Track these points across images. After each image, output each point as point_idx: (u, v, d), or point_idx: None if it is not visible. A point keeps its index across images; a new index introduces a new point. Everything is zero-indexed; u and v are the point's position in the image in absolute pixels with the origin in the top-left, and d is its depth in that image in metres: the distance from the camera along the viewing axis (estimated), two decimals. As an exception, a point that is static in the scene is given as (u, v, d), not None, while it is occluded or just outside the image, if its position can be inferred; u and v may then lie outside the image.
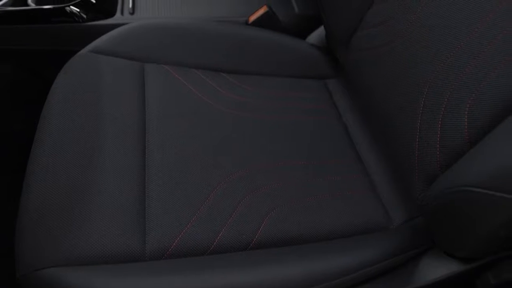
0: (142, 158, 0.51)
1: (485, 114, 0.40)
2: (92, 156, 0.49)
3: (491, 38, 0.41)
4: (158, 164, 0.51)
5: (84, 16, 0.74)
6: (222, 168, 0.52)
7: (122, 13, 0.78)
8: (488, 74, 0.41)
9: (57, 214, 0.44)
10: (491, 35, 0.41)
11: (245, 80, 0.66)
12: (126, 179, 0.48)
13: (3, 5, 0.73)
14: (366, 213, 0.53)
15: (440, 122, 0.44)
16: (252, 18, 0.76)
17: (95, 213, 0.44)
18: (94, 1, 0.76)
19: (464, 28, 0.44)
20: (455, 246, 0.43)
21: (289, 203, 0.51)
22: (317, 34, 0.77)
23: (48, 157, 0.49)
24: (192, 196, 0.49)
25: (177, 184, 0.49)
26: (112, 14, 0.78)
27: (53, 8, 0.73)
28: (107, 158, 0.49)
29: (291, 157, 0.56)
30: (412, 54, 0.50)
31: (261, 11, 0.75)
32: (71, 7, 0.73)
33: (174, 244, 0.45)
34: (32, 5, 0.74)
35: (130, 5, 0.79)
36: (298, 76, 0.71)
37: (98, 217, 0.44)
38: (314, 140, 0.60)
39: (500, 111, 0.39)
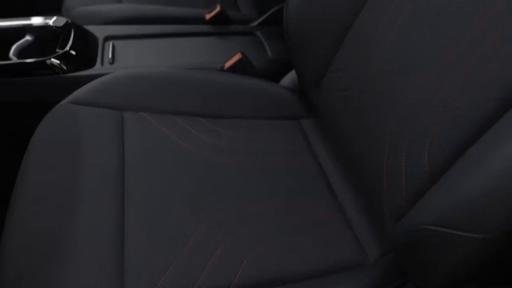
0: (120, 212, 0.52)
1: (444, 152, 0.43)
2: (71, 211, 0.50)
3: (445, 81, 0.45)
4: (137, 217, 0.52)
5: (65, 67, 0.77)
6: (199, 214, 0.53)
7: (102, 63, 0.81)
8: (443, 116, 0.44)
9: (35, 275, 0.45)
10: (445, 77, 0.45)
11: (222, 124, 0.69)
12: (105, 235, 0.49)
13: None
14: (342, 251, 0.54)
15: (404, 161, 0.47)
16: (228, 64, 0.79)
17: (74, 275, 0.45)
18: (74, 53, 0.79)
19: (422, 71, 0.47)
20: (424, 282, 0.45)
21: (266, 245, 0.52)
22: (290, 77, 0.81)
23: (26, 211, 0.49)
24: (170, 244, 0.50)
25: (156, 234, 0.50)
26: (92, 64, 0.80)
27: (35, 62, 0.75)
28: (86, 213, 0.50)
29: (267, 199, 0.58)
30: (374, 97, 0.53)
31: (235, 58, 0.79)
32: (52, 59, 0.76)
33: None
34: (14, 58, 0.76)
35: (110, 55, 0.82)
36: (273, 118, 0.74)
37: (77, 280, 0.45)
38: (289, 180, 0.62)
39: (457, 149, 0.42)
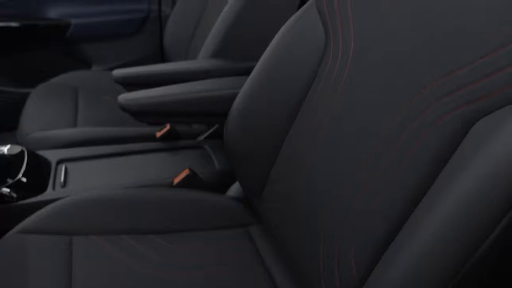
0: None
1: (367, 256, 0.48)
2: None
3: (363, 186, 0.52)
4: None
5: (14, 195, 0.79)
6: None
7: (54, 187, 0.84)
8: (364, 221, 0.50)
9: None
10: (365, 183, 0.52)
11: (172, 239, 0.71)
12: None
13: None
14: None
15: (336, 265, 0.51)
16: (176, 180, 0.85)
17: None
18: (25, 180, 0.81)
19: (343, 183, 0.54)
20: None
21: None
22: (237, 187, 0.87)
23: None
24: None
25: None
26: (43, 189, 0.83)
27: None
28: None
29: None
30: (310, 204, 0.59)
31: (184, 174, 0.85)
32: (3, 189, 0.78)
33: None
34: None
35: (62, 179, 0.85)
36: (222, 228, 0.77)
37: None
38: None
39: (379, 250, 0.47)
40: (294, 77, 0.67)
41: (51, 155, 0.92)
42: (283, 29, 0.70)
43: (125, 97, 0.83)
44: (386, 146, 0.51)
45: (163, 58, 1.65)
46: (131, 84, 0.97)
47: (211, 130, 1.08)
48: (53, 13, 1.49)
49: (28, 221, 0.67)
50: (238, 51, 1.03)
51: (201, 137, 1.07)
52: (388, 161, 0.50)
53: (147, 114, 0.83)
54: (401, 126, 0.50)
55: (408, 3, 0.54)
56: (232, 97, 0.79)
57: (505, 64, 0.41)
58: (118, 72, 0.97)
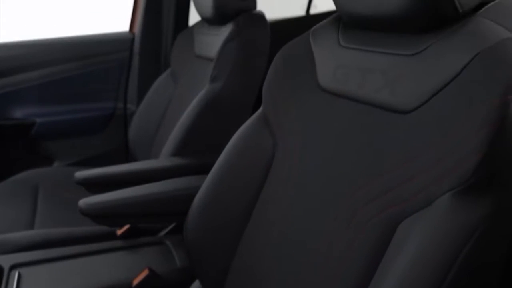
0: None
1: None
2: None
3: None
4: None
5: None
6: None
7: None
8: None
9: None
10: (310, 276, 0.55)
11: None
12: None
13: None
14: None
15: None
16: (135, 281, 0.84)
17: None
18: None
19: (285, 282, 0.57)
20: None
21: None
22: (197, 286, 0.87)
23: None
24: None
25: None
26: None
27: None
28: None
29: None
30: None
31: (143, 274, 0.84)
32: None
33: None
34: None
35: (14, 287, 0.82)
36: None
37: None
38: None
39: None
40: (247, 180, 0.73)
41: (5, 261, 0.89)
42: (236, 135, 0.78)
43: (86, 201, 0.85)
44: (330, 246, 0.55)
45: (127, 154, 1.69)
46: (93, 185, 0.99)
47: (171, 226, 1.09)
48: (19, 113, 1.53)
49: None
50: (198, 149, 1.10)
51: (162, 233, 1.08)
52: (333, 259, 0.54)
53: (108, 217, 0.85)
54: (341, 227, 0.55)
55: (344, 123, 0.63)
56: (192, 196, 0.83)
57: (416, 173, 0.49)
58: (80, 174, 1.00)
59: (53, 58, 1.56)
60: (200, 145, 1.10)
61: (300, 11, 2.22)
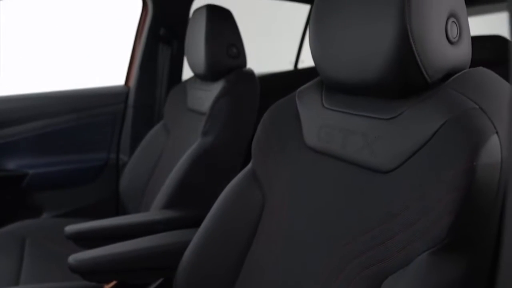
0: None
1: None
2: None
3: None
4: None
5: None
6: None
7: None
8: None
9: None
10: None
11: None
12: None
13: None
14: None
15: None
16: None
17: None
18: None
19: None
20: None
21: None
22: None
23: None
24: None
25: None
26: None
27: None
28: None
29: None
30: None
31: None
32: None
33: None
34: None
35: None
36: None
37: None
38: None
39: None
40: (237, 234, 0.74)
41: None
42: (226, 189, 0.80)
43: (76, 257, 0.84)
44: None
45: (117, 205, 1.68)
46: (83, 239, 0.99)
47: (160, 281, 1.08)
48: (11, 164, 1.54)
49: None
50: (189, 202, 1.11)
51: (151, 288, 1.06)
52: None
53: (98, 274, 0.84)
54: (329, 281, 0.57)
55: (329, 180, 0.65)
56: (182, 250, 0.83)
57: (397, 231, 0.51)
58: (70, 229, 1.00)
59: (49, 111, 1.59)
60: (190, 198, 1.12)
61: (289, 66, 2.33)
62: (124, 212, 1.46)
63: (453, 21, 0.54)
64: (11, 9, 2.20)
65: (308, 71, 2.23)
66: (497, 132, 0.48)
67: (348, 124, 0.63)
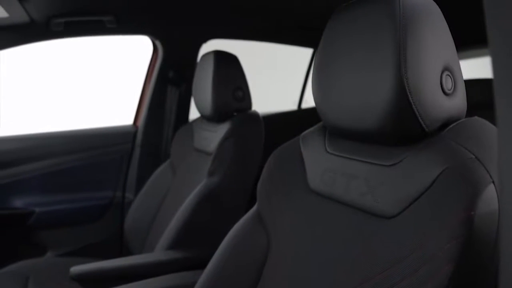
0: None
1: None
2: None
3: None
4: None
5: None
6: None
7: None
8: None
9: None
10: None
11: None
12: None
13: None
14: None
15: None
16: None
17: None
18: None
19: None
20: None
21: None
22: None
23: None
24: None
25: None
26: None
27: None
28: None
29: None
30: None
31: None
32: None
33: None
34: None
35: None
36: None
37: None
38: None
39: None
40: (242, 276, 0.74)
41: None
42: (232, 231, 0.81)
43: None
44: None
45: (121, 244, 1.67)
46: (88, 281, 0.99)
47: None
48: (19, 202, 1.56)
49: None
50: (194, 243, 1.11)
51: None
52: None
53: None
54: None
55: (333, 224, 0.67)
56: None
57: (405, 276, 0.52)
58: (75, 270, 1.00)
59: (57, 150, 1.63)
60: (196, 239, 1.12)
61: (292, 106, 2.38)
62: (128, 251, 1.46)
63: (448, 74, 0.58)
64: (29, 53, 2.31)
65: (311, 111, 2.28)
66: (493, 182, 0.49)
67: (351, 169, 0.65)
